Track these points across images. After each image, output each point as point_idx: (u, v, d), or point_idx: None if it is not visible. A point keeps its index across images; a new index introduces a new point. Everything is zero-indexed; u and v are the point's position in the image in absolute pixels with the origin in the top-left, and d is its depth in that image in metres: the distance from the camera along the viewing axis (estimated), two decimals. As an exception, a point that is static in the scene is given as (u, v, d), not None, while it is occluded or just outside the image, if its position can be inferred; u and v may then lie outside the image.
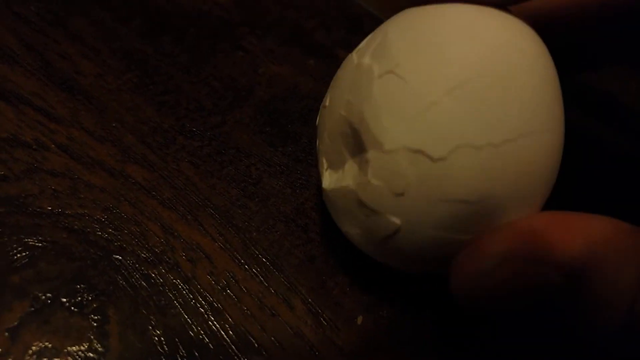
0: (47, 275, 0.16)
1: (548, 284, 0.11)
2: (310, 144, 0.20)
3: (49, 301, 0.15)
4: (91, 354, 0.14)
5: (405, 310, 0.16)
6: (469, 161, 0.12)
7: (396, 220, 0.13)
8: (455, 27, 0.13)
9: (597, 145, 0.21)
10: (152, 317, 0.15)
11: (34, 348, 0.14)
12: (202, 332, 0.15)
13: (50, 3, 0.23)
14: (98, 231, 0.17)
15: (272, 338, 0.15)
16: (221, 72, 0.22)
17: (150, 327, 0.15)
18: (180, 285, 0.16)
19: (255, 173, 0.19)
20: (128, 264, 0.16)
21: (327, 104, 0.15)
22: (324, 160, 0.15)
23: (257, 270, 0.17)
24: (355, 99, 0.13)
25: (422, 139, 0.12)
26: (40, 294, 0.15)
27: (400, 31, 0.13)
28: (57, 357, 0.14)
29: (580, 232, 0.11)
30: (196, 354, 0.15)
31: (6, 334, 0.14)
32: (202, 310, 0.16)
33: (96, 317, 0.15)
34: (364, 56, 0.14)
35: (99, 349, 0.15)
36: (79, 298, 0.15)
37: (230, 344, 0.15)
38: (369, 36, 0.15)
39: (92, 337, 0.15)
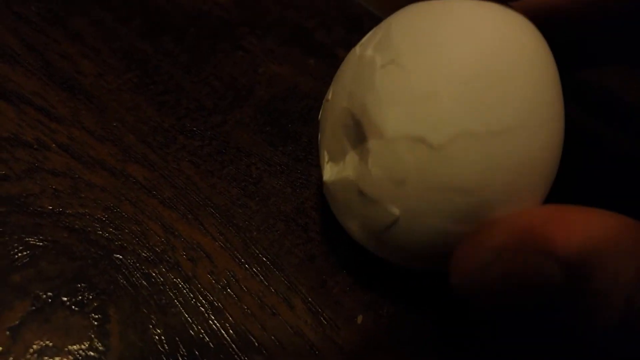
0: (48, 274, 0.16)
1: (547, 277, 0.11)
2: (310, 143, 0.20)
3: (50, 300, 0.15)
4: (92, 353, 0.15)
5: (405, 309, 0.16)
6: (469, 149, 0.12)
7: (395, 210, 0.13)
8: (457, 20, 0.13)
9: (597, 143, 0.21)
10: (152, 316, 0.15)
11: (34, 347, 0.14)
12: (202, 331, 0.15)
13: (51, 3, 0.23)
14: (99, 230, 0.17)
15: (272, 337, 0.15)
16: (221, 72, 0.22)
17: (151, 326, 0.15)
18: (180, 284, 0.16)
19: (256, 172, 0.19)
20: (129, 263, 0.16)
21: (329, 97, 0.15)
22: (325, 153, 0.15)
23: (257, 270, 0.17)
24: (357, 90, 0.14)
25: (422, 126, 0.12)
26: (41, 293, 0.15)
27: (403, 24, 0.14)
28: (58, 356, 0.14)
29: (581, 226, 0.11)
30: (196, 352, 0.15)
31: (7, 332, 0.15)
32: (203, 309, 0.16)
33: (97, 316, 0.15)
34: (367, 49, 0.14)
35: (100, 348, 0.15)
36: (80, 297, 0.15)
37: (231, 342, 0.15)
38: (372, 30, 0.15)
39: (92, 336, 0.15)
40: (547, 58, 0.13)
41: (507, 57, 0.12)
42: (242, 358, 0.15)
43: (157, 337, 0.15)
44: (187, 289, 0.16)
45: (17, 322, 0.15)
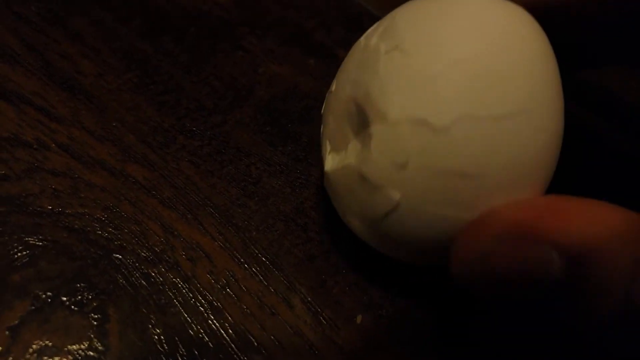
0: (47, 274, 0.16)
1: (547, 267, 0.11)
2: (310, 143, 0.20)
3: (50, 300, 0.15)
4: (91, 353, 0.15)
5: (405, 309, 0.16)
6: (471, 133, 0.12)
7: (396, 195, 0.13)
8: (461, 10, 0.13)
9: (597, 142, 0.21)
10: (152, 316, 0.15)
11: (34, 347, 0.14)
12: (201, 331, 0.15)
13: (51, 3, 0.23)
14: (98, 230, 0.17)
15: (272, 337, 0.15)
16: (221, 72, 0.22)
17: (150, 326, 0.15)
18: (180, 284, 0.16)
19: (255, 172, 0.19)
20: (128, 263, 0.16)
21: (333, 89, 0.16)
22: (328, 144, 0.15)
23: (256, 269, 0.17)
24: (361, 77, 0.14)
25: (425, 108, 0.12)
26: (40, 293, 0.15)
27: (408, 15, 0.14)
28: (58, 356, 0.14)
29: (581, 216, 0.11)
30: (196, 352, 0.15)
31: (7, 332, 0.15)
32: (202, 309, 0.16)
33: (96, 316, 0.15)
34: (372, 38, 0.14)
35: (99, 348, 0.15)
36: (79, 297, 0.15)
37: (230, 342, 0.15)
38: (378, 22, 0.15)
39: (92, 335, 0.15)
40: (547, 49, 0.14)
41: (509, 45, 0.13)
42: (242, 358, 0.15)
43: (156, 337, 0.15)
44: (186, 289, 0.16)
45: (16, 321, 0.15)
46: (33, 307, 0.15)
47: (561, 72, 0.14)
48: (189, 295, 0.16)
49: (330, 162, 0.15)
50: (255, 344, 0.15)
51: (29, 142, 0.18)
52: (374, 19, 0.25)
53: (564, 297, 0.11)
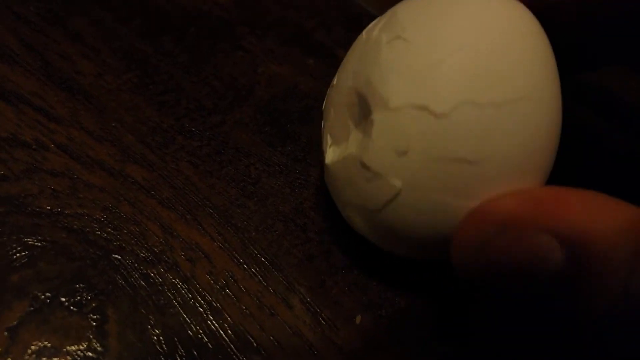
0: (46, 274, 0.16)
1: (549, 256, 0.11)
2: (310, 143, 0.20)
3: (49, 301, 0.15)
4: (90, 354, 0.15)
5: (404, 309, 0.16)
6: (471, 118, 0.12)
7: (397, 183, 0.13)
8: (462, 3, 0.14)
9: (597, 142, 0.21)
10: (151, 317, 0.15)
11: (33, 347, 0.14)
12: (201, 332, 0.15)
13: (51, 3, 0.23)
14: (97, 231, 0.17)
15: (271, 337, 0.15)
16: (221, 72, 0.22)
17: (149, 327, 0.15)
18: (179, 284, 0.16)
19: (255, 173, 0.19)
20: (127, 263, 0.16)
21: (334, 83, 0.16)
22: (328, 138, 0.16)
23: (256, 270, 0.17)
24: (363, 68, 0.14)
25: (426, 95, 0.12)
26: (39, 294, 0.15)
27: (410, 9, 0.14)
28: (57, 357, 0.14)
29: (583, 206, 0.11)
30: (195, 353, 0.15)
31: (5, 333, 0.15)
32: (201, 309, 0.16)
33: (95, 317, 0.15)
34: (373, 31, 0.14)
35: (98, 349, 0.15)
36: (78, 297, 0.15)
37: (229, 343, 0.15)
38: (378, 18, 0.15)
39: (91, 336, 0.15)
40: (546, 43, 0.14)
41: (509, 35, 0.13)
42: (241, 358, 0.15)
43: (155, 338, 0.15)
44: (185, 290, 0.16)
45: (15, 322, 0.15)
46: (32, 308, 0.15)
47: (561, 72, 0.14)
48: (188, 295, 0.16)
49: (331, 155, 0.15)
50: (255, 344, 0.15)
51: (27, 143, 0.18)
52: (374, 19, 0.25)
53: (564, 289, 0.11)
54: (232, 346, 0.15)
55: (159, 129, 0.20)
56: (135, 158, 0.19)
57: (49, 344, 0.15)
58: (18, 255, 0.16)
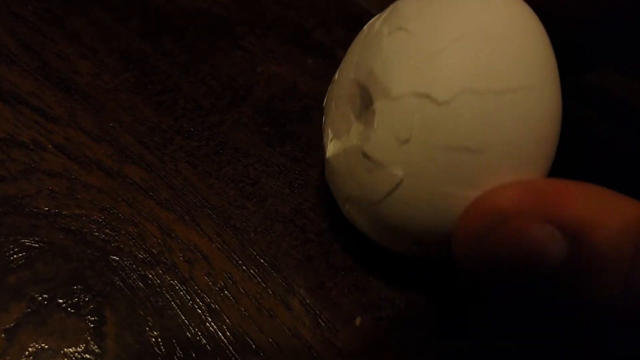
0: (43, 276, 0.16)
1: (551, 246, 0.11)
2: (309, 143, 0.20)
3: (46, 302, 0.15)
4: (88, 355, 0.14)
5: (404, 310, 0.16)
6: (473, 106, 0.12)
7: (399, 172, 0.13)
8: (462, 3, 0.14)
9: (597, 142, 0.21)
10: (149, 318, 0.15)
11: (30, 349, 0.14)
12: (199, 333, 0.15)
13: (48, 3, 0.23)
14: (95, 232, 0.17)
15: (270, 339, 0.15)
16: (219, 72, 0.22)
17: (148, 329, 0.15)
18: (177, 286, 0.16)
19: (253, 173, 0.19)
20: (125, 264, 0.16)
21: (335, 78, 0.16)
22: (329, 132, 0.16)
23: (254, 271, 0.16)
24: (365, 59, 0.14)
25: (428, 83, 0.13)
26: (36, 295, 0.15)
27: (410, 3, 0.14)
28: (54, 359, 0.14)
29: (585, 197, 0.11)
30: (193, 355, 0.15)
31: (3, 335, 0.14)
32: (200, 311, 0.15)
33: (93, 318, 0.15)
34: (375, 25, 0.15)
35: (96, 350, 0.14)
36: (76, 299, 0.15)
37: (228, 345, 0.15)
38: (379, 13, 0.15)
39: (88, 338, 0.15)
40: (544, 37, 0.14)
41: (510, 27, 0.13)
42: (239, 360, 0.15)
43: (153, 340, 0.15)
44: (184, 291, 0.16)
45: (12, 324, 0.15)
46: (29, 309, 0.15)
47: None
48: (186, 297, 0.16)
49: (332, 149, 0.15)
50: (253, 346, 0.15)
51: (25, 143, 0.18)
52: (373, 18, 0.25)
53: (565, 282, 0.11)
54: (230, 348, 0.15)
55: (157, 129, 0.19)
56: (134, 158, 0.18)
57: (46, 346, 0.14)
58: (15, 256, 0.16)
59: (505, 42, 0.13)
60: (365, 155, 0.14)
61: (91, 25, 0.22)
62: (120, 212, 0.17)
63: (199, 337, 0.15)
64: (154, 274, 0.16)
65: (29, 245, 0.16)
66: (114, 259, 0.16)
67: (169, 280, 0.16)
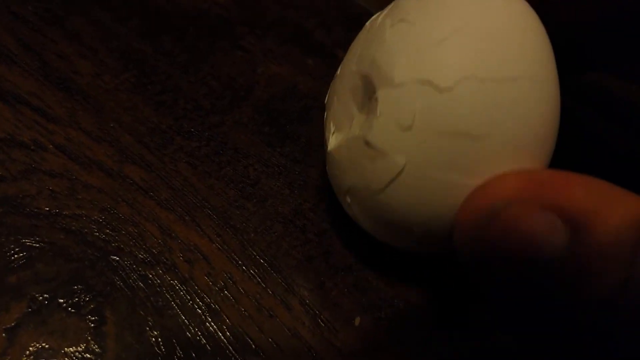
0: (44, 276, 0.16)
1: (552, 234, 0.11)
2: (309, 144, 0.20)
3: (46, 302, 0.15)
4: (88, 355, 0.14)
5: (404, 310, 0.16)
6: (474, 93, 0.12)
7: (401, 159, 0.13)
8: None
9: (597, 142, 0.21)
10: (149, 318, 0.15)
11: (31, 349, 0.14)
12: (199, 333, 0.15)
13: (48, 3, 0.23)
14: (95, 232, 0.17)
15: (270, 339, 0.15)
16: (220, 72, 0.22)
17: (148, 328, 0.15)
18: (177, 286, 0.16)
19: (254, 174, 0.19)
20: (125, 264, 0.16)
21: (338, 73, 0.16)
22: (332, 125, 0.16)
23: (254, 271, 0.16)
24: (367, 51, 0.14)
25: (430, 70, 0.13)
26: (37, 295, 0.15)
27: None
28: (54, 358, 0.14)
29: (586, 187, 0.11)
30: (193, 355, 0.15)
31: (3, 334, 0.14)
32: (200, 311, 0.16)
33: (93, 318, 0.15)
34: (377, 20, 0.15)
35: (96, 350, 0.15)
36: (76, 299, 0.15)
37: (228, 345, 0.15)
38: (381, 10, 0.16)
39: (89, 338, 0.15)
40: (543, 34, 0.14)
41: (508, 21, 0.13)
42: (239, 360, 0.15)
43: (153, 339, 0.15)
44: (184, 291, 0.16)
45: (13, 323, 0.15)
46: (30, 309, 0.15)
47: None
48: (186, 297, 0.16)
49: (334, 142, 0.15)
50: (253, 346, 0.15)
51: (25, 143, 0.18)
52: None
53: (564, 274, 0.11)
54: (230, 348, 0.15)
55: (157, 130, 0.19)
56: (134, 159, 0.19)
57: (46, 346, 0.14)
58: (16, 256, 0.16)
59: (505, 33, 0.13)
60: (368, 144, 0.14)
61: (91, 25, 0.22)
62: (121, 212, 0.17)
63: (199, 337, 0.15)
64: (154, 274, 0.16)
65: (29, 245, 0.16)
66: (114, 259, 0.16)
67: (169, 280, 0.16)
